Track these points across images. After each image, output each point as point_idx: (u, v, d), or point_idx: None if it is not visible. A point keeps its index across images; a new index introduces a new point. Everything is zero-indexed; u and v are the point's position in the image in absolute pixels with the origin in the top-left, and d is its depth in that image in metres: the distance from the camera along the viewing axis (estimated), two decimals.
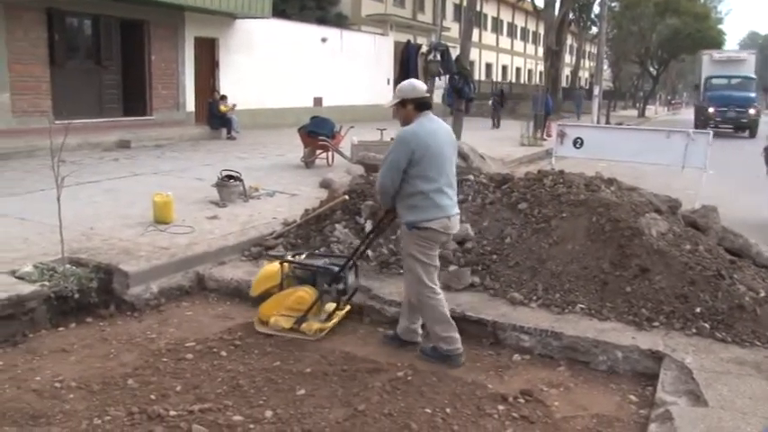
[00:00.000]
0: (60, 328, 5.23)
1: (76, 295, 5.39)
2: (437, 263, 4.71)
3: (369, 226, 6.55)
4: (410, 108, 4.60)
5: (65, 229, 5.74)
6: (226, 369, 4.43)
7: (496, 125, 26.88)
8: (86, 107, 16.03)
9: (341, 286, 5.11)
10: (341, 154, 12.80)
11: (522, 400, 4.11)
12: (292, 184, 10.51)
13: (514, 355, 4.85)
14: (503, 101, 28.39)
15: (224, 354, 4.69)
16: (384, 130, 13.68)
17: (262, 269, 5.47)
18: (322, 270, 5.22)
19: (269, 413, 3.83)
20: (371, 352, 4.81)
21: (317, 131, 12.83)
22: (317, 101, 24.29)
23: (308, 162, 12.89)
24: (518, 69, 55.90)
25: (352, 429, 3.69)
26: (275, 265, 5.32)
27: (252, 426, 3.70)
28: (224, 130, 18.03)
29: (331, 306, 5.24)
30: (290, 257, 5.52)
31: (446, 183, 4.56)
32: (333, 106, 23.23)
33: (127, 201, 8.70)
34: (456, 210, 4.67)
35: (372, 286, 5.65)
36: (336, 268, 5.14)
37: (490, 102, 28.49)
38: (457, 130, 15.46)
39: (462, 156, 11.78)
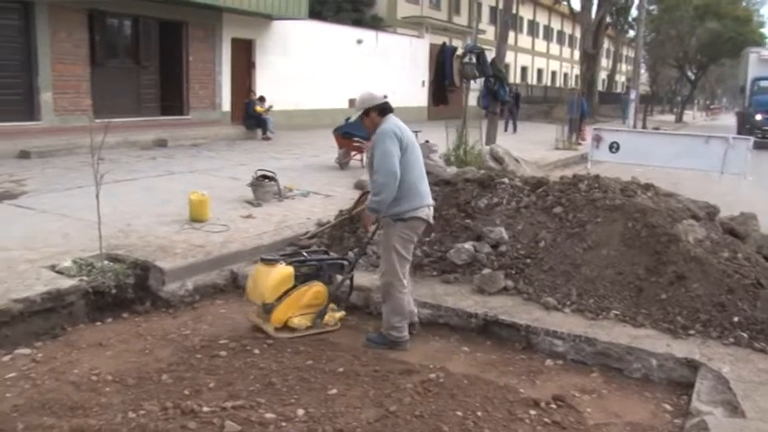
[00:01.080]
0: (97, 323, 5.33)
1: (114, 291, 5.50)
2: (411, 256, 4.95)
3: None
4: (374, 115, 4.87)
5: (103, 226, 5.84)
6: (259, 367, 4.46)
7: (512, 130, 25.62)
8: (125, 106, 16.32)
9: (351, 275, 5.34)
10: None
11: (554, 406, 4.07)
12: (327, 185, 10.56)
13: (547, 360, 4.81)
14: (518, 104, 27.02)
15: (257, 351, 4.73)
16: (419, 132, 13.62)
17: (271, 275, 5.07)
18: (330, 263, 5.35)
19: (301, 411, 3.85)
20: (403, 353, 4.82)
21: (352, 133, 12.87)
22: (353, 102, 24.30)
23: (343, 163, 12.93)
24: (554, 72, 55.45)
25: (384, 430, 3.69)
26: (286, 267, 5.14)
27: (284, 423, 3.72)
28: (259, 131, 18.17)
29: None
30: (280, 257, 5.47)
31: (422, 171, 4.89)
32: None
33: (163, 199, 8.82)
34: (431, 200, 4.96)
35: None
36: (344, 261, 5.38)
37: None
38: (491, 133, 15.38)
39: (497, 158, 11.75)
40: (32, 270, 5.56)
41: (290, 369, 4.43)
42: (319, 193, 9.88)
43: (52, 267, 5.62)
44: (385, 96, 4.92)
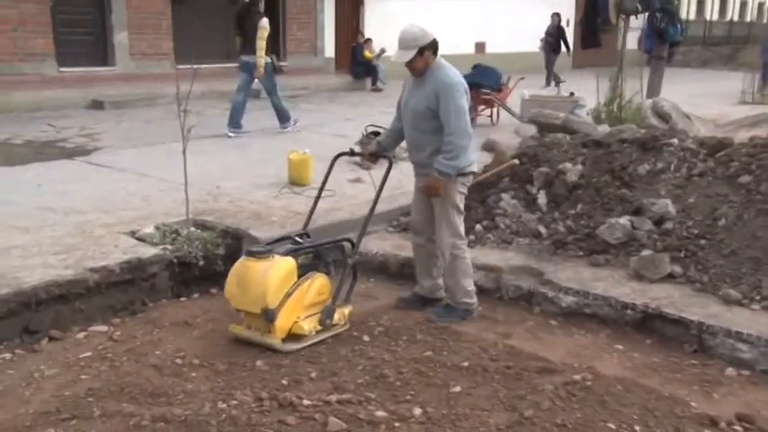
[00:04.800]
0: (182, 298, 5.60)
1: (201, 262, 5.73)
2: None
3: (542, 197, 6.48)
4: (428, 54, 5.11)
5: (189, 188, 6.04)
6: (368, 356, 4.56)
7: (549, 82, 20.28)
8: (212, 50, 16.54)
9: (354, 259, 5.21)
10: (509, 111, 12.69)
11: (738, 428, 3.91)
12: None
13: (727, 369, 4.64)
14: (560, 43, 21.45)
15: (366, 338, 4.84)
16: (563, 82, 13.42)
17: (270, 272, 4.65)
18: (329, 246, 5.24)
19: (417, 411, 3.90)
20: (541, 348, 4.81)
21: (480, 83, 12.74)
22: (480, 47, 24.11)
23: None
24: (743, 3, 52.29)
25: None
26: (286, 260, 4.76)
27: (397, 424, 3.77)
28: (368, 80, 18.33)
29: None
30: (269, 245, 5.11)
31: None
32: (498, 53, 22.95)
33: (258, 158, 9.10)
34: None
35: (545, 270, 5.61)
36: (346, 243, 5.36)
37: (539, 46, 22.23)
38: (656, 83, 14.85)
39: (661, 115, 11.38)
40: (110, 236, 5.86)
41: (406, 360, 4.50)
42: None
43: (132, 233, 5.91)
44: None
